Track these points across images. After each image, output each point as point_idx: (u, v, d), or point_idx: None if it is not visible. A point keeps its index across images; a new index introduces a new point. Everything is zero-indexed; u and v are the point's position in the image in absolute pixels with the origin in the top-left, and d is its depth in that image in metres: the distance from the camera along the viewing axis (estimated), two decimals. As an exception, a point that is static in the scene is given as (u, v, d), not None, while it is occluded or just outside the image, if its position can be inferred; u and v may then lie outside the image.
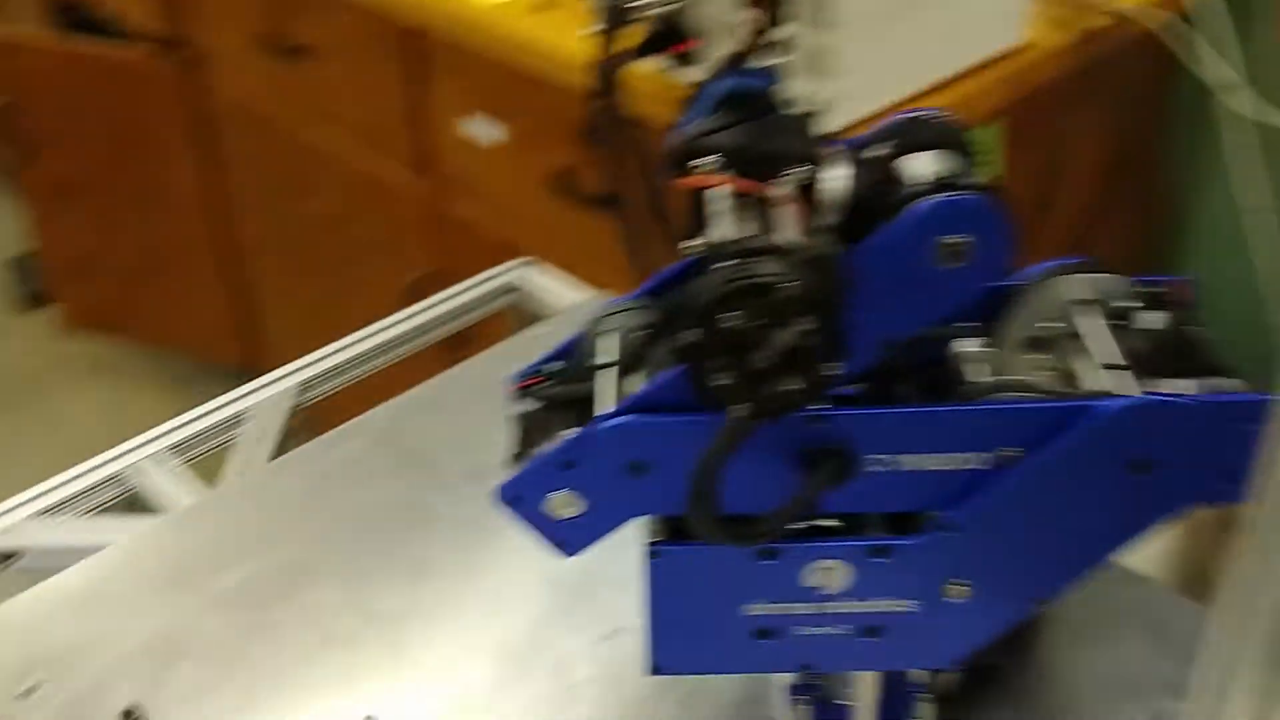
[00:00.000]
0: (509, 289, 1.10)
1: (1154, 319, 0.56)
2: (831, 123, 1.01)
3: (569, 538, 0.56)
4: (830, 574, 0.56)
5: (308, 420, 0.98)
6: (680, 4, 0.77)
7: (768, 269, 0.41)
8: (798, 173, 0.48)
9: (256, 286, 2.04)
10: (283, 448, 0.93)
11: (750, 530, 0.50)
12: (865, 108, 1.02)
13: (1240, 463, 0.51)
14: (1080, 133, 1.27)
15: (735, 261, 0.42)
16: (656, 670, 0.59)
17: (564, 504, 0.55)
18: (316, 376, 0.97)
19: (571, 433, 0.54)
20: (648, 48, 1.06)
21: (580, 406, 0.56)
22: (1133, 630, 0.74)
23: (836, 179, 0.49)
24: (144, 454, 0.90)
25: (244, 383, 0.97)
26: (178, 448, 0.91)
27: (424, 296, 1.09)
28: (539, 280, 1.09)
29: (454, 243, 1.55)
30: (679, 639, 0.58)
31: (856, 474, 0.52)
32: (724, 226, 0.45)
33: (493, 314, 1.11)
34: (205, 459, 0.93)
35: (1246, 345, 0.61)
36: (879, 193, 0.49)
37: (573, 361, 0.59)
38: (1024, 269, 0.60)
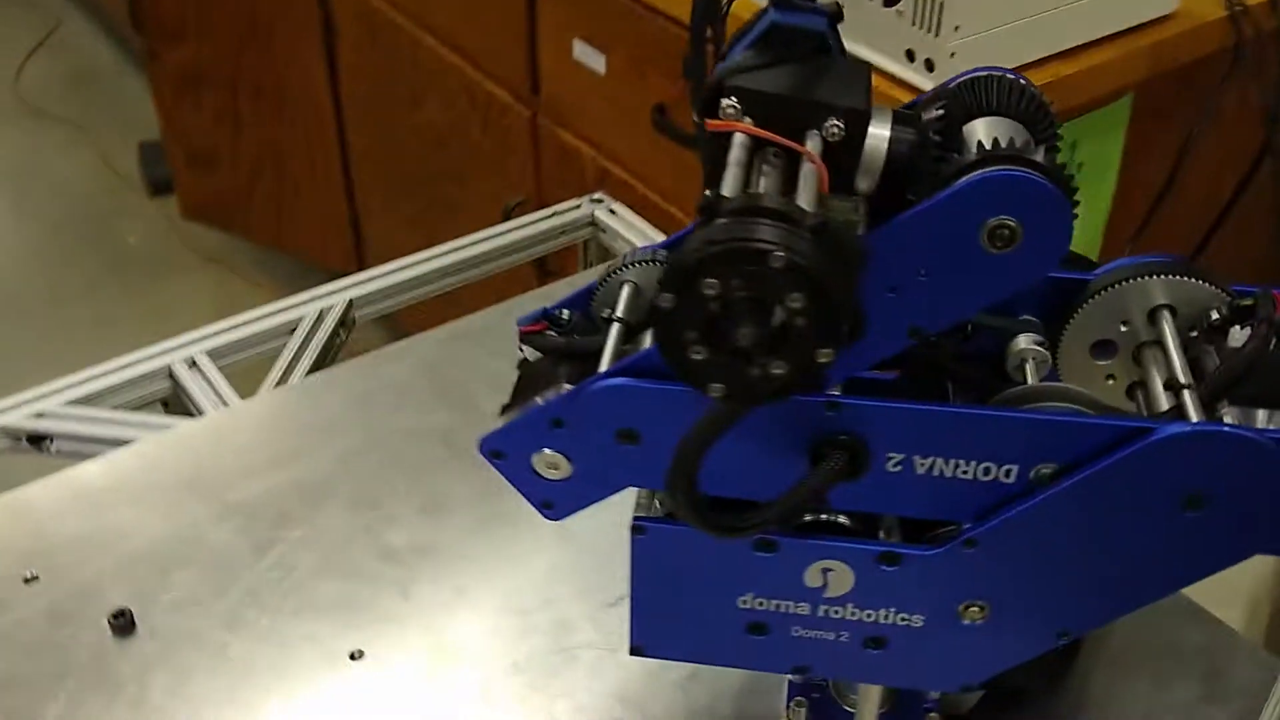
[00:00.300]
0: (586, 223, 1.06)
1: (1238, 336, 0.49)
2: (936, 77, 0.94)
3: (554, 500, 0.52)
4: (833, 576, 0.51)
5: (394, 329, 0.95)
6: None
7: (760, 235, 0.36)
8: (830, 128, 0.42)
9: (364, 194, 2.03)
10: (331, 361, 0.91)
11: (736, 522, 0.45)
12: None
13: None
14: (1224, 115, 1.16)
15: (725, 222, 0.36)
16: (636, 651, 0.55)
17: (550, 464, 0.50)
18: (371, 294, 0.95)
19: (564, 389, 0.50)
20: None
21: (582, 360, 0.52)
22: (1186, 670, 0.67)
23: (879, 139, 0.43)
24: (187, 354, 0.89)
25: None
26: (221, 352, 0.89)
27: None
28: (616, 217, 1.04)
29: (553, 168, 1.51)
30: (662, 622, 0.54)
31: (868, 472, 0.47)
32: (732, 180, 0.39)
33: (568, 246, 1.08)
34: (250, 366, 0.92)
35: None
36: (926, 160, 0.43)
37: (583, 311, 0.55)
38: (1106, 262, 0.53)
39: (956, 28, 0.92)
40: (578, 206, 1.05)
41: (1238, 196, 1.16)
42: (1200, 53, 1.08)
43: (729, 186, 0.39)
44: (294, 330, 0.90)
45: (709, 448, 0.42)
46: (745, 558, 0.50)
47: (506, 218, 1.37)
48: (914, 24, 0.93)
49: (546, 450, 0.50)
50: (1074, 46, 1.01)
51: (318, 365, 0.89)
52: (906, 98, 0.95)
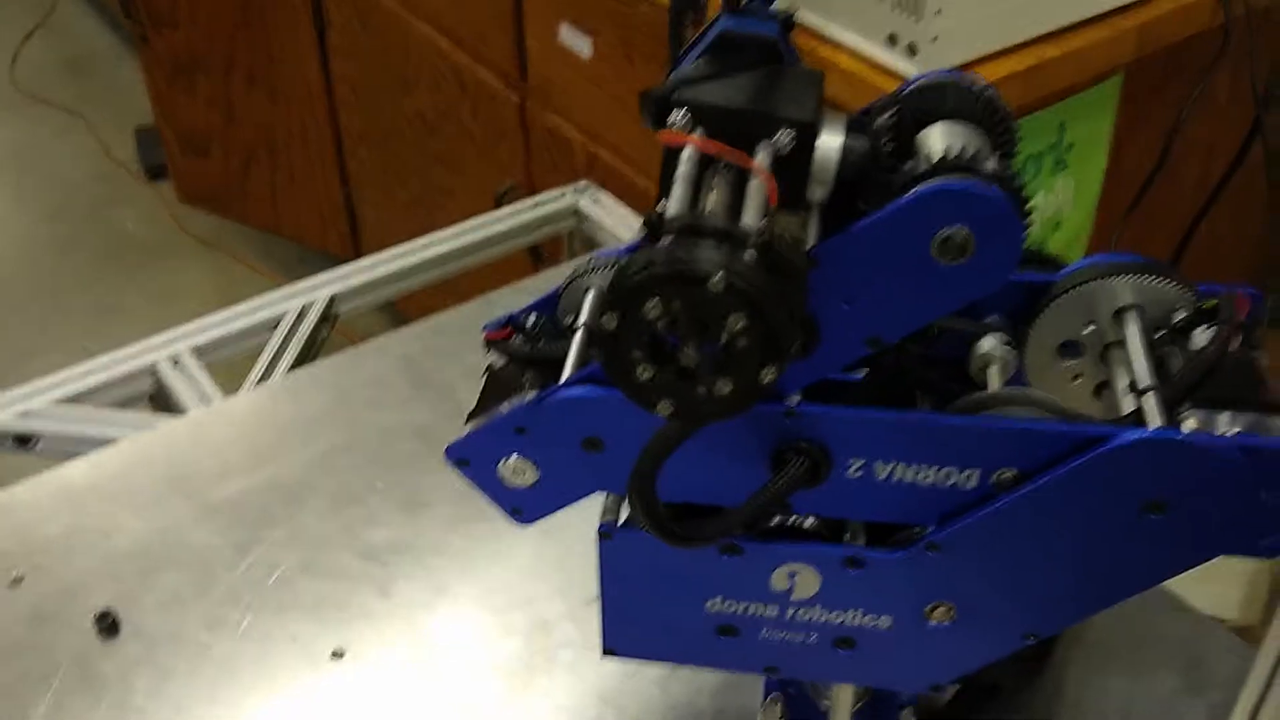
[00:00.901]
0: (570, 213, 1.06)
1: (1203, 336, 0.49)
2: (925, 67, 0.93)
3: (523, 506, 0.52)
4: (799, 579, 0.51)
5: (393, 315, 0.96)
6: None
7: (700, 258, 0.35)
8: (781, 139, 0.42)
9: (359, 178, 2.03)
10: (316, 354, 0.92)
11: (694, 532, 0.46)
12: (962, 54, 0.94)
13: (1273, 514, 0.45)
14: (1217, 94, 1.16)
15: (668, 243, 0.36)
16: (610, 653, 0.55)
17: (516, 471, 0.51)
18: (355, 288, 0.95)
19: (528, 396, 0.50)
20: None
21: (548, 366, 0.52)
22: (1165, 662, 0.67)
23: (831, 149, 0.43)
24: (171, 352, 0.89)
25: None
26: (205, 349, 0.89)
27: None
28: (600, 206, 1.04)
29: (543, 153, 1.50)
30: (633, 624, 0.54)
31: (829, 478, 0.47)
32: (679, 197, 0.39)
33: (554, 236, 1.07)
34: (235, 361, 0.92)
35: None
36: (879, 169, 0.43)
37: (550, 315, 0.55)
38: (1097, 247, 0.53)
39: (939, 11, 0.91)
40: (562, 196, 1.05)
41: (1230, 176, 1.16)
42: (1189, 32, 1.07)
43: (675, 204, 0.39)
44: (277, 326, 0.90)
45: (663, 462, 0.42)
46: (712, 561, 0.51)
47: (498, 204, 1.37)
48: (896, 8, 0.93)
49: (512, 458, 0.50)
50: (1060, 28, 1.01)
51: (301, 359, 0.89)
52: (889, 83, 0.95)
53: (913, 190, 0.40)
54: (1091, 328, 0.52)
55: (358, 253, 2.05)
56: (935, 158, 0.41)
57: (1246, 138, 1.14)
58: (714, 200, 0.40)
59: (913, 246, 0.41)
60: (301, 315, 0.91)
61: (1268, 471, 0.43)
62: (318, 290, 0.93)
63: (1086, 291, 0.51)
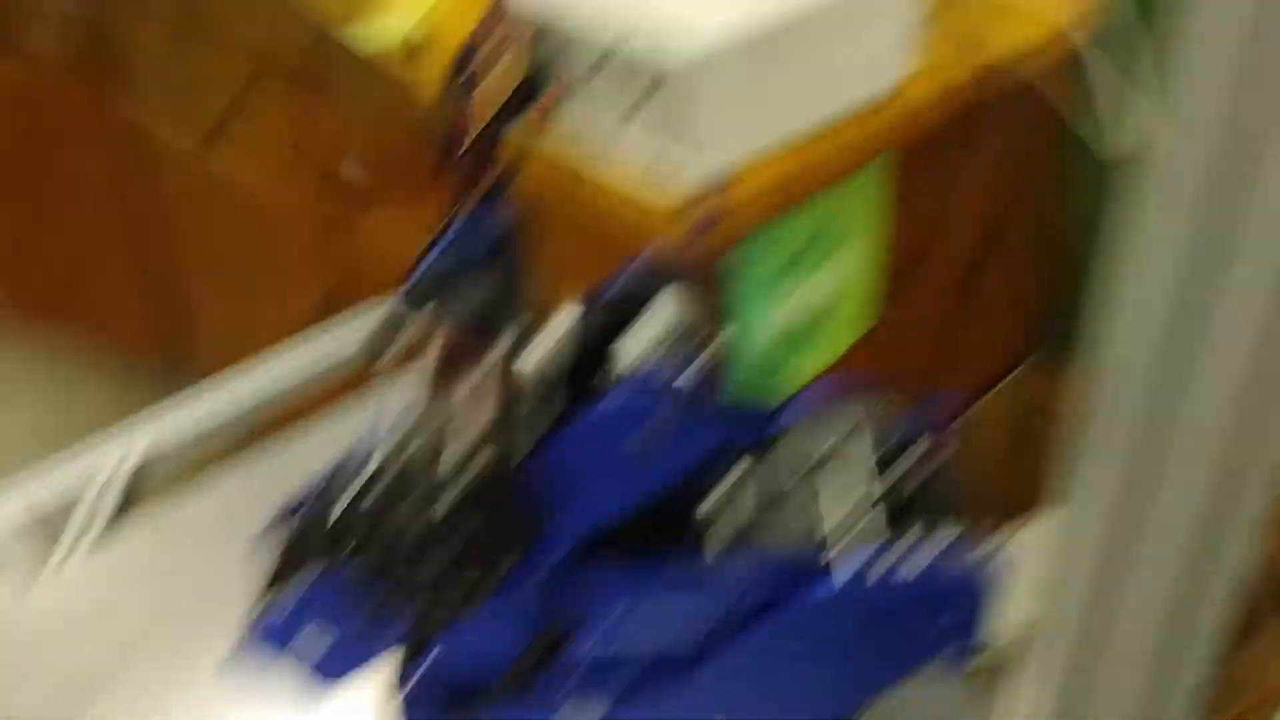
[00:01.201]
0: (399, 320, 1.08)
1: (907, 458, 0.55)
2: (687, 179, 0.98)
3: (324, 668, 0.56)
4: (585, 706, 0.55)
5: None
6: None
7: (416, 490, 0.40)
8: (518, 327, 0.47)
9: (188, 286, 2.02)
10: (131, 507, 0.92)
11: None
12: (731, 155, 1.00)
13: (966, 619, 0.51)
14: (965, 182, 1.25)
15: (385, 484, 0.41)
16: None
17: (311, 640, 0.54)
18: (163, 449, 0.96)
19: (322, 564, 0.53)
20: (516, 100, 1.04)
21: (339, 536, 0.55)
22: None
23: (563, 331, 0.48)
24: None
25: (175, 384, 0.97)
26: (18, 512, 0.89)
27: (336, 309, 1.08)
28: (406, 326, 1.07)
29: (367, 257, 1.53)
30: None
31: (576, 639, 0.51)
32: (409, 411, 0.44)
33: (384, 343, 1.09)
34: (51, 519, 0.92)
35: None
36: (591, 362, 0.48)
37: (341, 480, 0.58)
38: (800, 395, 0.58)
39: (701, 119, 0.96)
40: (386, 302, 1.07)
41: (998, 242, 1.25)
42: (952, 111, 1.15)
43: (397, 435, 0.43)
44: (93, 480, 0.91)
45: (424, 653, 0.46)
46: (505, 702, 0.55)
47: (323, 308, 1.39)
48: (659, 121, 0.97)
49: (307, 628, 0.54)
50: (809, 132, 1.07)
51: (121, 510, 0.90)
52: (656, 199, 1.00)
53: (599, 405, 0.46)
54: (820, 452, 0.57)
55: (190, 362, 2.04)
56: (625, 363, 0.47)
57: (1013, 202, 1.24)
58: (440, 412, 0.44)
59: (611, 447, 0.46)
60: (118, 467, 0.92)
61: (951, 588, 0.50)
62: (133, 437, 0.94)
63: (814, 421, 0.57)
